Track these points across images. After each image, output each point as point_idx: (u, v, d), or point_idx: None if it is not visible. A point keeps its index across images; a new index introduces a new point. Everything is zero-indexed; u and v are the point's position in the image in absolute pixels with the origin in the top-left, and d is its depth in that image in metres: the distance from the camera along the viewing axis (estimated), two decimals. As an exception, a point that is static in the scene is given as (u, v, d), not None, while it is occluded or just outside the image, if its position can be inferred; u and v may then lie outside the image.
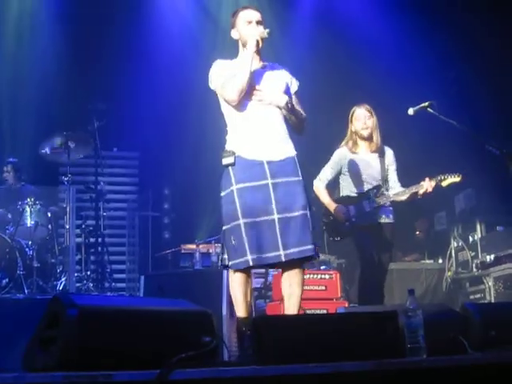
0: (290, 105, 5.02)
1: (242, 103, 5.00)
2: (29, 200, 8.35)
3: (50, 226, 8.49)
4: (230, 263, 4.85)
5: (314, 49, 10.24)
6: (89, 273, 8.70)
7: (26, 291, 7.85)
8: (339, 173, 6.70)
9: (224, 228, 4.92)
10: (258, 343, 3.55)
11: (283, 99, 5.02)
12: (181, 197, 10.82)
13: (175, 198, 10.96)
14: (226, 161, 4.92)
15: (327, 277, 7.47)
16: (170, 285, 7.26)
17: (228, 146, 5.02)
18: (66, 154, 8.49)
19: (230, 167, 4.91)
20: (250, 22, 5.10)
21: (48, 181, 9.64)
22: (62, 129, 8.56)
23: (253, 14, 5.13)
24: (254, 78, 5.04)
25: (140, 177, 11.22)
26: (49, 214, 8.50)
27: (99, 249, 8.89)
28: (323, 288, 7.44)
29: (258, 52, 5.11)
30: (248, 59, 4.97)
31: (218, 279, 7.18)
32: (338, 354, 3.54)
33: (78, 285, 8.48)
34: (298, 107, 5.15)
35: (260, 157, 4.91)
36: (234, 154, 4.93)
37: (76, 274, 8.53)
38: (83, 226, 8.93)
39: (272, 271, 7.76)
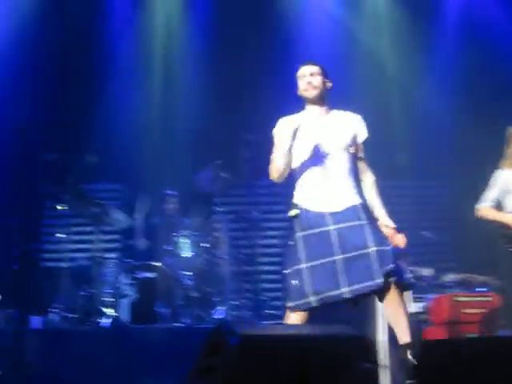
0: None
1: (303, 157, 5.13)
2: (185, 231, 8.57)
3: (206, 256, 8.64)
4: (291, 304, 4.98)
5: (459, 60, 10.09)
6: (245, 301, 8.78)
7: (185, 321, 8.02)
8: (504, 193, 6.62)
9: (285, 272, 5.05)
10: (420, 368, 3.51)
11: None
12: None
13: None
14: (291, 213, 5.14)
15: (486, 299, 7.26)
16: (325, 311, 7.23)
17: (294, 199, 5.22)
18: (218, 185, 8.63)
19: (294, 219, 5.12)
20: (303, 77, 5.26)
21: (202, 211, 9.81)
22: (214, 159, 8.73)
23: (305, 69, 5.27)
24: (315, 132, 5.14)
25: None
26: (204, 244, 8.66)
27: (255, 277, 8.97)
28: (482, 311, 7.23)
29: (319, 104, 5.22)
30: (282, 152, 5.07)
31: (371, 303, 7.11)
32: (502, 377, 3.45)
33: (234, 313, 8.57)
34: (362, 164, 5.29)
35: (323, 209, 5.04)
36: (298, 206, 5.14)
37: (232, 303, 8.63)
38: (238, 255, 9.03)
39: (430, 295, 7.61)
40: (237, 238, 9.33)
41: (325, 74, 5.28)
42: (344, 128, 5.22)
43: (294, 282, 4.93)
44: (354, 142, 5.23)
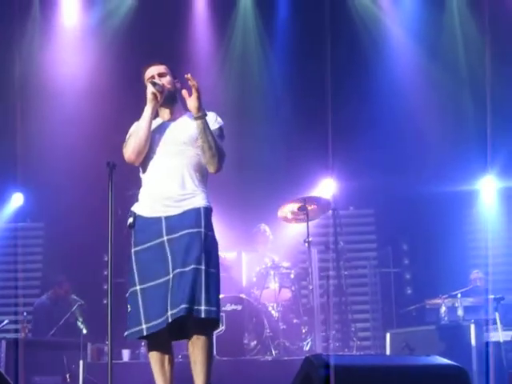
0: (202, 119, 4.62)
1: (147, 159, 4.71)
2: (272, 263, 8.59)
3: (293, 288, 8.62)
4: (126, 333, 4.58)
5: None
6: (334, 332, 8.72)
7: (273, 352, 7.99)
8: None
9: (127, 295, 4.65)
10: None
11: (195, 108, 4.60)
12: (420, 251, 10.69)
13: (415, 253, 10.84)
14: (128, 222, 4.68)
15: None
16: (417, 341, 7.16)
17: (133, 206, 4.75)
18: (304, 216, 8.61)
19: (131, 229, 4.67)
20: (152, 78, 4.81)
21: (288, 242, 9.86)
22: (299, 193, 8.78)
23: (153, 69, 4.85)
24: (160, 132, 4.74)
25: (377, 234, 11.19)
26: (292, 276, 8.65)
27: (343, 308, 8.92)
28: None
29: (169, 106, 4.82)
30: (145, 114, 4.69)
31: (465, 334, 7.01)
32: None
33: (323, 345, 8.51)
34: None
35: (158, 213, 4.61)
36: (134, 214, 4.68)
37: (321, 334, 8.57)
38: (326, 286, 9.00)
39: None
40: (324, 268, 9.30)
41: (173, 73, 4.88)
42: (190, 123, 4.72)
43: (129, 306, 4.53)
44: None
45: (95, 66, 10.47)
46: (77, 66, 10.57)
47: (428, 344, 7.06)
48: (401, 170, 10.11)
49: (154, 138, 4.71)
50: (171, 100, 4.83)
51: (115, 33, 10.63)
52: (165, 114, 4.87)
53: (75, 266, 10.26)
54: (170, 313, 4.37)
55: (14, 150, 10.07)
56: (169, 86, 4.79)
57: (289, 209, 8.75)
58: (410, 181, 10.10)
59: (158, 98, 4.72)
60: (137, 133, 4.68)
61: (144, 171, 4.77)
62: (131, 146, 4.67)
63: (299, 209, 8.61)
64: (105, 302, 9.77)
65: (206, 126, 4.65)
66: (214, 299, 4.47)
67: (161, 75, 4.82)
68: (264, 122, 10.72)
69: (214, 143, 4.66)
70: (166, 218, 4.58)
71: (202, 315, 4.37)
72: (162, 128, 4.77)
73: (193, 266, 4.41)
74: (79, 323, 8.39)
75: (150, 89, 4.70)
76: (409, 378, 3.47)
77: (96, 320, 7.86)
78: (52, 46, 10.68)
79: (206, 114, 4.66)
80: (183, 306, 4.33)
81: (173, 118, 4.84)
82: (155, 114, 4.82)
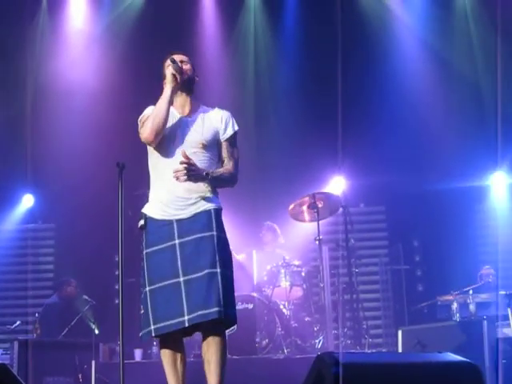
0: (208, 176, 4.63)
1: (159, 157, 4.72)
2: (283, 262, 8.58)
3: (304, 286, 8.61)
4: (140, 334, 4.62)
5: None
6: (345, 330, 8.71)
7: (285, 351, 7.99)
8: None
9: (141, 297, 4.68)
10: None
11: (198, 176, 4.60)
12: (431, 248, 10.68)
13: (425, 250, 10.83)
14: (139, 224, 4.70)
15: None
16: (429, 338, 7.14)
17: (144, 208, 4.77)
18: (314, 214, 8.59)
19: (143, 230, 4.69)
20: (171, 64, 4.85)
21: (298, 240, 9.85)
22: (309, 190, 8.76)
23: (175, 56, 4.86)
24: (175, 130, 4.72)
25: (388, 231, 11.19)
26: (303, 274, 8.64)
27: (354, 305, 8.91)
28: None
29: (187, 94, 4.84)
30: (165, 94, 4.70)
31: (478, 330, 6.98)
32: None
33: (335, 342, 8.51)
34: (222, 170, 4.75)
35: (169, 216, 4.62)
36: (145, 216, 4.70)
37: (333, 332, 8.57)
38: (337, 284, 9.00)
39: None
40: (335, 266, 9.29)
41: (193, 66, 4.93)
42: (206, 124, 4.78)
43: (141, 308, 4.58)
44: (215, 139, 4.78)
45: (104, 67, 10.47)
46: (85, 68, 10.56)
47: (440, 341, 7.04)
48: (411, 166, 10.09)
49: (168, 135, 4.70)
50: (189, 88, 4.85)
51: (123, 34, 10.64)
52: (181, 104, 4.84)
53: (86, 267, 10.28)
54: (187, 317, 4.43)
55: (25, 152, 10.09)
56: (189, 71, 4.83)
57: (299, 206, 8.76)
58: (421, 177, 10.09)
59: (178, 80, 4.74)
60: (156, 113, 4.65)
61: (155, 170, 4.77)
62: (149, 127, 4.64)
63: (309, 206, 8.60)
64: (116, 301, 9.78)
65: (216, 180, 4.70)
66: (230, 300, 4.56)
67: (182, 62, 4.83)
68: (273, 120, 10.72)
69: (230, 179, 4.80)
70: (178, 220, 4.60)
71: (220, 316, 4.41)
72: (178, 126, 4.75)
73: (207, 271, 4.46)
74: (91, 323, 8.42)
75: (170, 70, 4.72)
76: (421, 375, 3.46)
77: (108, 320, 7.89)
78: (60, 49, 10.68)
79: (208, 174, 4.63)
80: (201, 312, 4.40)
81: (189, 115, 4.81)
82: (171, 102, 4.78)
